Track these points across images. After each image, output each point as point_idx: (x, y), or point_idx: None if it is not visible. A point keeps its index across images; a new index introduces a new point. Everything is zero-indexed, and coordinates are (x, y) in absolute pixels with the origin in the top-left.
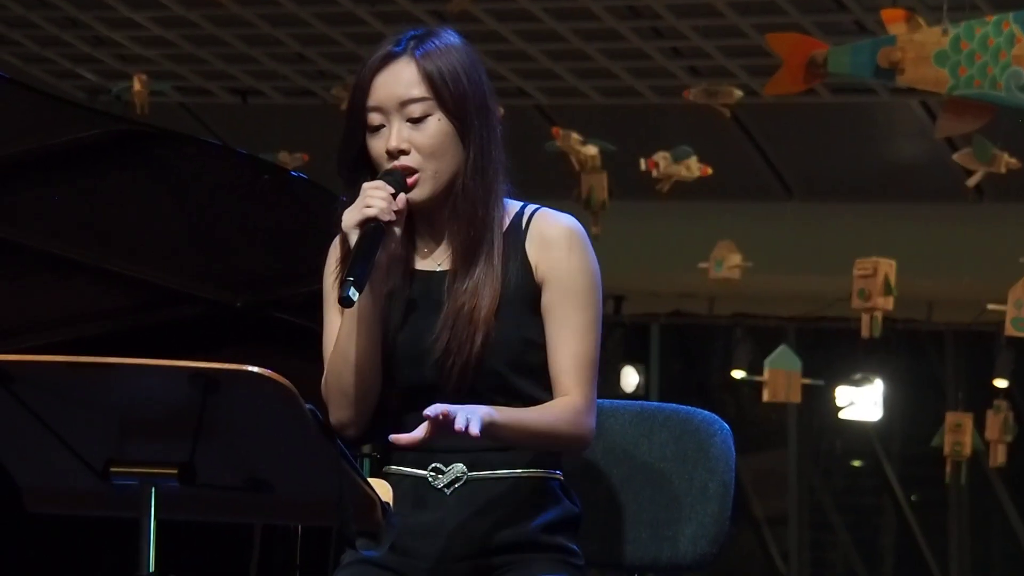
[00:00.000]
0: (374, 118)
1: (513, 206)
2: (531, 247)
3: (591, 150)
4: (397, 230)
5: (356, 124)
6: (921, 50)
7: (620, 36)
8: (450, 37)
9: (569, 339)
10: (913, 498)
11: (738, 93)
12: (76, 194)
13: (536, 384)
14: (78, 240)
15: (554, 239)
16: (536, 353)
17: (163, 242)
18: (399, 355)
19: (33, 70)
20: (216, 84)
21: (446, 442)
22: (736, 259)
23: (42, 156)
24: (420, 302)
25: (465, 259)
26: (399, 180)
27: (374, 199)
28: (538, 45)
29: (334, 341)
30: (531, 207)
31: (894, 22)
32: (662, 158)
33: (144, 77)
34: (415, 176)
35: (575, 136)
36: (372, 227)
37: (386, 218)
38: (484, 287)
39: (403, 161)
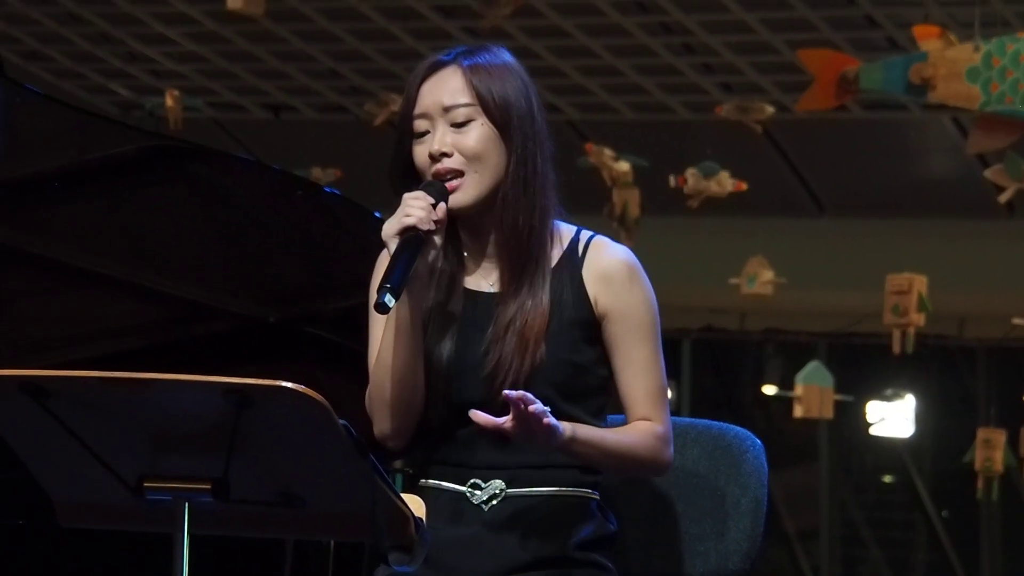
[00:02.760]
0: (419, 125)
1: (568, 230)
2: (588, 276)
3: (624, 166)
4: (437, 239)
5: (404, 133)
6: (953, 67)
7: (652, 52)
8: (502, 54)
9: (640, 372)
10: (944, 514)
11: (770, 109)
12: (109, 209)
13: (583, 409)
14: (112, 255)
15: (614, 273)
16: (585, 379)
17: (196, 257)
18: (447, 372)
19: (66, 85)
20: (249, 100)
21: (486, 458)
22: (768, 275)
23: (76, 171)
24: (469, 320)
25: (513, 277)
26: (440, 190)
27: (413, 208)
28: (570, 61)
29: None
30: (586, 233)
31: (926, 39)
32: (691, 175)
33: (177, 93)
34: (457, 181)
35: (608, 152)
36: (411, 236)
37: (425, 227)
38: (532, 307)
39: (445, 164)
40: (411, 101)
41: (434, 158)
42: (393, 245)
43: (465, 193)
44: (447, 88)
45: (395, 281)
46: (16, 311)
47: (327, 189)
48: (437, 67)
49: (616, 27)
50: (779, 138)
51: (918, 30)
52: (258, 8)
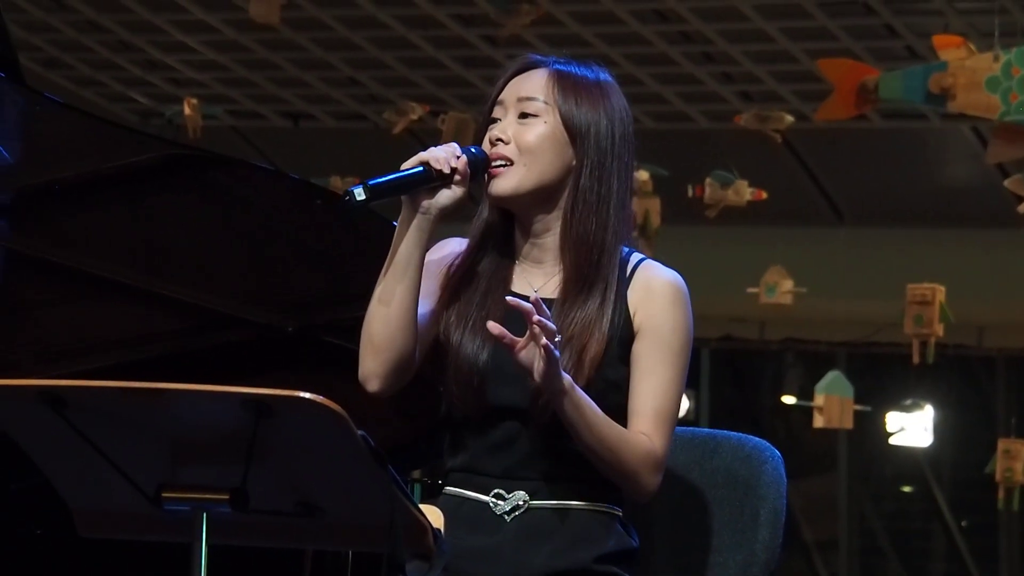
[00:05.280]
0: (495, 111)
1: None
2: (633, 295)
3: (643, 175)
4: (456, 189)
5: (483, 123)
6: (972, 76)
7: (672, 61)
8: (600, 73)
9: (653, 391)
10: (963, 524)
11: (789, 118)
12: (128, 218)
13: None
14: (130, 263)
15: (658, 291)
16: (615, 396)
17: (215, 266)
18: (483, 371)
19: (86, 93)
20: (268, 108)
21: (511, 468)
22: (788, 284)
23: (94, 180)
24: (512, 323)
25: (578, 291)
26: (476, 151)
27: (436, 149)
28: None
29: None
30: (637, 255)
31: (945, 48)
32: (709, 184)
33: (195, 101)
34: (503, 170)
35: None
36: (422, 167)
37: (437, 166)
38: (595, 327)
39: (500, 149)
40: (497, 91)
41: (492, 143)
42: None
43: (505, 181)
44: (528, 82)
45: (375, 181)
46: (35, 319)
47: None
48: (530, 65)
49: (636, 36)
50: (798, 147)
51: (938, 39)
52: (275, 16)
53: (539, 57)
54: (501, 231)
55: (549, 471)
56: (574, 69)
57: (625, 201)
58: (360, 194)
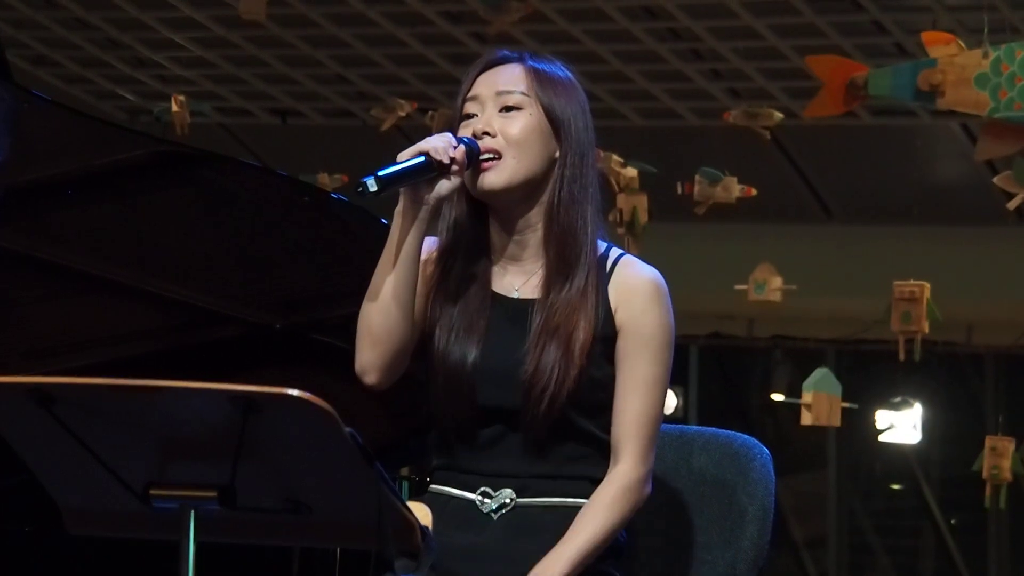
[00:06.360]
0: (469, 107)
1: (599, 245)
2: (613, 291)
3: (631, 172)
4: (454, 179)
5: (456, 120)
6: (962, 73)
7: (660, 58)
8: (565, 70)
9: (635, 391)
10: (953, 522)
11: (778, 115)
12: (116, 215)
13: (596, 424)
14: (119, 261)
15: (639, 289)
16: (600, 394)
17: (203, 263)
18: (471, 374)
19: (74, 91)
20: (256, 105)
21: (497, 466)
22: (777, 281)
23: (83, 177)
24: (495, 324)
25: (561, 282)
26: (469, 141)
27: (434, 138)
28: (578, 67)
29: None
30: (616, 250)
31: (935, 45)
32: (698, 181)
33: (182, 97)
34: (494, 163)
35: (615, 158)
36: (423, 157)
37: (437, 157)
38: (580, 314)
39: (487, 142)
40: (467, 88)
41: (477, 136)
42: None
43: (498, 175)
44: (505, 76)
45: (384, 172)
46: (24, 317)
47: (334, 195)
48: (500, 60)
49: (624, 33)
50: (787, 144)
51: (927, 36)
52: (262, 13)
53: (508, 52)
54: (472, 228)
55: (535, 469)
56: (545, 66)
57: (596, 194)
58: (372, 185)
